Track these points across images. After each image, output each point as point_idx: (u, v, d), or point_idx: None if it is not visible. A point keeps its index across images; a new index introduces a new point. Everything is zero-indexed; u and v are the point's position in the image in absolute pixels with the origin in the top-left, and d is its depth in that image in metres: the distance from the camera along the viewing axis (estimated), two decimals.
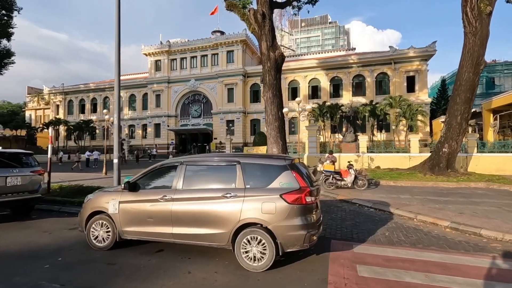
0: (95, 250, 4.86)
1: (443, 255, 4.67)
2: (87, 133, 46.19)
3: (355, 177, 11.65)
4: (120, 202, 4.82)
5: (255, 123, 41.30)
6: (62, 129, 48.28)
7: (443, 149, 14.71)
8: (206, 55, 43.05)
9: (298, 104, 17.89)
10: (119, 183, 8.00)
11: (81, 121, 45.45)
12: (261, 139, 29.84)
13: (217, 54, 42.20)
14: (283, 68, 16.55)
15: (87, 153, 27.95)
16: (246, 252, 4.10)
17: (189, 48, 43.36)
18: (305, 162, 19.76)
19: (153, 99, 45.21)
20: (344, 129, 29.70)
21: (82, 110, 51.08)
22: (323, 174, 12.01)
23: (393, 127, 32.21)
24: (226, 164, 4.55)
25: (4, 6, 27.56)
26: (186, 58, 44.08)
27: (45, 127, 44.67)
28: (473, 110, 17.80)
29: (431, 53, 33.45)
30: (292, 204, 4.03)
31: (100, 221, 4.93)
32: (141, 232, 4.70)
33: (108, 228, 4.88)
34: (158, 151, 39.77)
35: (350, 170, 11.80)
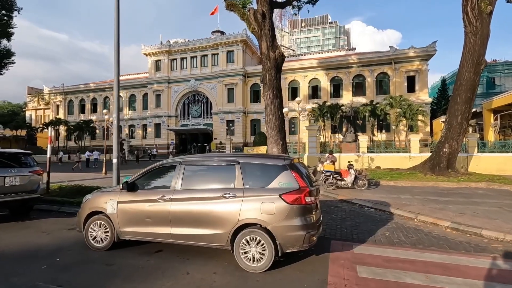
0: (93, 251, 4.83)
1: (443, 256, 4.64)
2: (87, 133, 46.20)
3: (355, 177, 11.62)
4: (118, 202, 4.79)
5: (255, 123, 41.28)
6: (62, 129, 48.29)
7: (444, 149, 14.67)
8: (206, 55, 43.04)
9: (298, 104, 17.87)
10: (118, 183, 7.97)
11: (81, 121, 45.44)
12: (261, 139, 29.81)
13: (217, 54, 42.19)
14: (283, 68, 16.52)
15: (87, 153, 27.94)
16: (245, 252, 4.07)
17: (189, 48, 43.35)
18: (305, 162, 19.72)
19: (153, 99, 45.21)
20: (344, 129, 29.67)
21: (82, 110, 51.10)
22: (323, 174, 11.98)
23: (394, 127, 32.17)
24: (225, 164, 4.52)
25: (4, 6, 27.54)
26: (186, 58, 44.08)
27: (45, 127, 44.68)
28: (473, 110, 17.76)
29: (431, 53, 33.41)
30: (291, 204, 4.00)
31: (98, 222, 4.91)
32: (139, 233, 4.67)
33: (107, 228, 4.85)
34: (158, 151, 39.75)
35: (350, 170, 11.77)
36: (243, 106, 40.49)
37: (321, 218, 4.69)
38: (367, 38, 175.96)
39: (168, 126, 43.72)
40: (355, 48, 50.66)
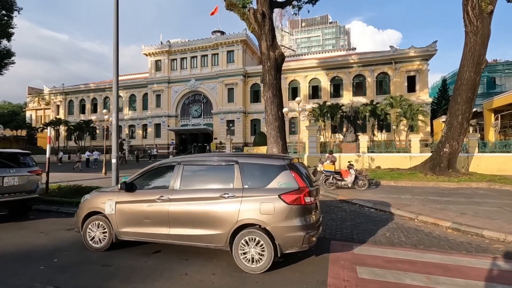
0: (91, 251, 4.79)
1: (444, 256, 4.60)
2: (88, 133, 46.18)
3: (356, 177, 11.58)
4: (116, 203, 4.76)
5: (255, 123, 41.24)
6: (62, 129, 48.30)
7: (444, 149, 14.63)
8: (206, 55, 43.02)
9: (298, 104, 17.83)
10: (117, 183, 7.93)
11: (82, 121, 45.43)
12: (261, 139, 29.79)
13: (217, 54, 42.16)
14: (283, 68, 16.48)
15: (87, 153, 27.92)
16: (244, 253, 4.03)
17: (189, 48, 43.33)
18: (306, 162, 19.68)
19: (153, 99, 45.19)
20: (344, 129, 29.58)
21: (82, 110, 51.10)
22: (323, 174, 11.94)
23: (394, 127, 32.11)
24: (224, 164, 4.48)
25: (4, 6, 27.52)
26: (186, 58, 44.05)
27: (45, 127, 44.68)
28: (474, 110, 17.70)
29: (431, 52, 33.36)
30: (290, 205, 3.96)
31: (97, 222, 4.87)
32: (137, 233, 4.63)
33: (105, 228, 4.81)
34: (158, 151, 39.71)
35: (351, 170, 11.73)
36: (243, 106, 40.46)
37: (320, 219, 4.66)
38: (367, 38, 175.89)
39: (168, 126, 43.70)
40: (355, 48, 50.58)
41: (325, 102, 33.48)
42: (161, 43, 45.42)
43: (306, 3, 18.77)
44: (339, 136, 31.93)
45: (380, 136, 33.59)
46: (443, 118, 25.21)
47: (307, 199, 4.06)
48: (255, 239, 4.01)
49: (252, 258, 3.99)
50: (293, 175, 4.15)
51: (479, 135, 19.80)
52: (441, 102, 39.88)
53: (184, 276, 3.88)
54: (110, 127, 25.08)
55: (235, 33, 41.11)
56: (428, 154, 16.90)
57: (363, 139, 20.41)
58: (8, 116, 54.92)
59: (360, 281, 3.74)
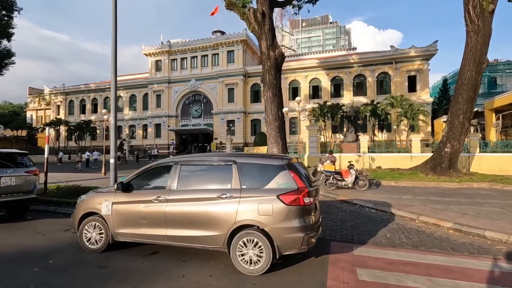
0: (87, 253, 4.73)
1: (446, 258, 4.52)
2: (88, 133, 46.19)
3: (356, 177, 11.50)
4: (113, 203, 4.69)
5: (255, 123, 41.19)
6: (63, 129, 48.31)
7: (445, 149, 14.54)
8: (207, 55, 42.99)
9: (299, 103, 17.74)
10: (115, 184, 7.87)
11: (82, 121, 45.46)
12: (261, 139, 29.71)
13: (218, 54, 42.13)
14: (283, 68, 16.42)
15: (87, 153, 27.90)
16: (242, 255, 3.96)
17: (190, 48, 43.30)
18: (306, 162, 19.61)
19: (153, 99, 45.17)
20: (345, 129, 29.49)
21: (83, 110, 51.13)
22: (324, 174, 11.87)
23: (395, 127, 32.01)
24: (222, 164, 4.41)
25: (5, 6, 27.51)
26: (186, 58, 44.02)
27: (45, 127, 44.65)
28: (475, 109, 17.62)
29: (432, 52, 33.26)
30: (289, 205, 3.89)
31: (93, 223, 4.80)
32: (134, 234, 4.57)
33: (101, 230, 4.74)
34: (159, 151, 39.65)
35: (351, 170, 11.65)
36: (244, 106, 40.40)
37: (320, 219, 4.58)
38: (368, 38, 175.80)
39: (169, 126, 43.67)
40: (355, 48, 50.50)
41: (325, 102, 33.41)
42: (162, 43, 45.41)
43: (306, 2, 18.70)
44: (340, 136, 31.85)
45: (381, 136, 33.50)
46: (444, 118, 25.13)
47: (306, 200, 3.99)
48: (253, 241, 3.94)
49: (250, 260, 3.92)
50: (292, 175, 4.08)
51: (480, 135, 19.72)
52: (442, 102, 39.77)
53: (181, 278, 3.81)
54: (110, 127, 25.19)
55: (235, 33, 41.07)
56: (429, 154, 16.82)
57: (364, 139, 20.33)
58: (8, 116, 55.02)
59: (360, 283, 3.67)
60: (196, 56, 43.48)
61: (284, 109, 15.35)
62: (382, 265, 4.21)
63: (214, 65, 42.49)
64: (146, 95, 46.51)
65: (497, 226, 6.01)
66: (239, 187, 4.14)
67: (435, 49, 33.03)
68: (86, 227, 4.84)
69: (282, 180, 4.05)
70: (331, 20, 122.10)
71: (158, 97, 45.00)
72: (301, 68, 38.71)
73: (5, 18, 27.92)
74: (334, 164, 12.63)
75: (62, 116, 50.59)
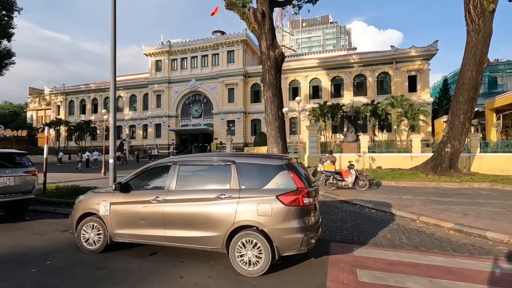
0: (85, 253, 4.69)
1: (447, 259, 4.48)
2: (88, 134, 46.18)
3: (356, 178, 11.46)
4: (111, 204, 4.65)
5: (255, 123, 41.15)
6: (63, 129, 48.31)
7: (446, 149, 14.50)
8: (207, 55, 42.95)
9: (299, 103, 17.70)
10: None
11: (82, 122, 45.44)
12: (261, 139, 29.67)
13: (218, 54, 42.09)
14: (284, 68, 16.38)
15: (87, 153, 27.89)
16: (241, 256, 3.92)
17: (190, 48, 43.27)
18: (306, 162, 19.58)
19: (153, 99, 45.15)
20: (345, 129, 29.47)
21: (83, 110, 51.12)
22: (324, 175, 11.83)
23: (395, 127, 31.96)
24: (221, 164, 4.37)
25: (5, 6, 27.51)
26: (186, 58, 44.00)
27: (45, 127, 44.68)
28: (475, 109, 17.56)
29: (433, 52, 33.20)
30: (289, 206, 3.85)
31: (91, 223, 4.77)
32: (132, 235, 4.53)
33: (99, 230, 4.71)
34: (159, 151, 39.59)
35: (351, 170, 11.61)
36: (244, 106, 40.37)
37: (320, 220, 4.55)
38: (368, 38, 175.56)
39: (169, 126, 43.63)
40: (356, 48, 50.42)
41: (325, 102, 33.37)
42: (162, 43, 45.38)
43: (306, 2, 18.66)
44: (340, 136, 31.82)
45: (381, 136, 33.45)
46: (445, 118, 25.08)
47: (306, 200, 3.95)
48: (252, 241, 3.90)
49: (249, 261, 3.88)
50: (291, 175, 4.04)
51: (481, 135, 19.67)
52: (442, 102, 39.72)
53: (179, 279, 3.77)
54: (110, 127, 25.19)
55: (236, 33, 41.03)
56: (429, 154, 16.78)
57: (364, 139, 20.28)
58: (9, 116, 55.06)
59: (360, 284, 3.64)
60: (196, 56, 43.45)
61: (284, 109, 15.32)
62: (382, 266, 4.17)
63: (214, 65, 42.46)
64: (146, 95, 46.49)
65: (498, 227, 5.96)
66: (238, 187, 4.10)
67: (435, 49, 32.97)
68: (84, 227, 4.81)
69: (281, 181, 4.01)
70: (331, 20, 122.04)
71: (158, 97, 44.97)
72: (301, 68, 38.66)
73: (5, 18, 27.92)
74: (334, 164, 12.60)
75: (62, 116, 50.59)
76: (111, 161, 8.19)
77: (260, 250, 3.85)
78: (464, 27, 14.41)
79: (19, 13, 28.46)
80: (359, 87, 37.25)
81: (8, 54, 29.59)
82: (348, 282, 3.69)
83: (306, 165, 18.89)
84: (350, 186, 11.43)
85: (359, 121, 30.61)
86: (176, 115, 44.35)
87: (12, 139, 51.60)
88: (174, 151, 41.28)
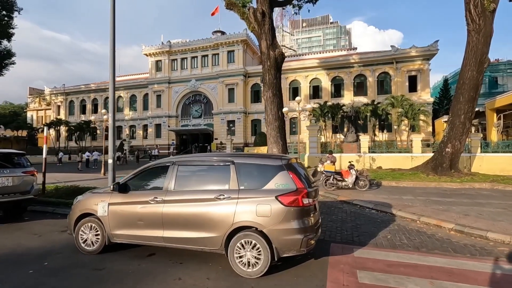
0: (83, 254, 4.66)
1: (448, 260, 4.44)
2: (88, 134, 46.17)
3: (356, 178, 11.42)
4: (109, 204, 4.62)
5: (256, 123, 41.10)
6: (63, 129, 48.31)
7: (446, 149, 14.45)
8: (207, 55, 42.93)
9: (299, 103, 17.65)
10: None
11: (82, 122, 45.45)
12: (262, 139, 29.63)
13: (218, 54, 42.06)
14: (284, 68, 16.33)
15: (87, 153, 27.86)
16: (240, 257, 3.89)
17: (190, 48, 43.25)
18: (306, 162, 19.53)
19: (153, 100, 45.13)
20: (345, 129, 29.42)
21: (83, 110, 51.11)
22: (324, 175, 11.79)
23: (395, 127, 31.91)
24: (220, 164, 4.33)
25: (5, 6, 27.50)
26: (186, 58, 43.97)
27: (45, 127, 44.69)
28: (476, 109, 17.51)
29: (433, 52, 33.14)
30: (288, 207, 3.82)
31: (89, 224, 4.73)
32: (131, 236, 4.50)
33: (97, 231, 4.68)
34: (159, 151, 39.55)
35: (351, 170, 11.57)
36: (244, 106, 40.33)
37: (320, 221, 4.51)
38: (368, 38, 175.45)
39: (169, 126, 43.61)
40: (356, 48, 50.35)
41: (326, 102, 33.33)
42: (162, 43, 45.34)
43: (306, 2, 18.63)
44: (340, 136, 31.77)
45: (381, 136, 33.40)
46: (445, 118, 25.03)
47: (305, 201, 3.91)
48: (251, 242, 3.86)
49: (248, 262, 3.84)
50: (290, 175, 4.00)
51: (481, 135, 19.61)
52: (443, 102, 39.67)
53: (178, 281, 3.74)
54: (109, 127, 25.17)
55: (236, 33, 41.00)
56: (429, 154, 16.73)
57: (364, 139, 20.23)
58: (9, 116, 55.09)
59: (360, 286, 3.60)
60: (196, 56, 43.43)
61: (284, 109, 15.28)
62: (382, 267, 4.13)
63: (214, 65, 42.43)
64: (146, 95, 46.47)
65: (500, 227, 5.92)
66: (237, 187, 4.07)
67: (435, 49, 32.92)
68: (82, 228, 4.77)
69: (280, 181, 3.98)
70: (331, 20, 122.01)
71: (158, 97, 44.95)
72: (302, 68, 38.63)
73: (5, 18, 27.92)
74: (334, 164, 12.56)
75: (62, 116, 50.58)
76: (110, 161, 8.15)
77: (259, 251, 3.81)
78: (464, 27, 14.37)
79: (19, 13, 28.48)
80: (360, 87, 37.20)
81: (8, 54, 29.58)
82: (348, 283, 3.65)
83: (306, 165, 18.85)
84: (350, 186, 11.39)
85: (359, 121, 30.57)
86: (176, 115, 44.33)
87: (12, 139, 51.62)
88: (174, 151, 41.23)
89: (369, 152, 19.45)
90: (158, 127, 44.79)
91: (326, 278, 3.79)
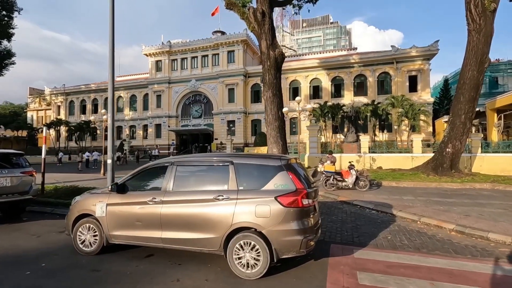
0: (81, 255, 4.62)
1: (449, 261, 4.40)
2: (88, 134, 46.15)
3: (357, 178, 11.37)
4: (107, 205, 4.59)
5: (256, 124, 41.07)
6: (63, 129, 48.30)
7: (447, 149, 14.40)
8: (207, 55, 42.91)
9: (299, 103, 17.61)
10: None
11: (82, 122, 45.43)
12: (262, 140, 29.58)
13: (218, 54, 42.04)
14: (284, 68, 16.29)
15: (87, 153, 27.83)
16: (239, 258, 3.85)
17: (190, 49, 43.23)
18: (306, 162, 19.49)
19: (153, 100, 45.11)
20: (345, 129, 29.37)
21: (83, 110, 51.10)
22: (324, 175, 11.74)
23: (395, 127, 31.87)
24: (219, 165, 4.30)
25: (5, 6, 27.48)
26: (186, 58, 43.95)
27: (44, 128, 44.69)
28: (476, 109, 17.46)
29: (433, 52, 33.09)
30: (287, 207, 3.78)
31: (87, 225, 4.70)
32: (129, 237, 4.46)
33: (95, 232, 4.64)
34: (160, 151, 39.48)
35: (351, 170, 11.53)
36: (244, 106, 40.30)
37: (319, 221, 4.47)
38: (368, 39, 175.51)
39: (169, 126, 43.58)
40: (356, 48, 50.32)
41: (326, 102, 33.30)
42: (162, 43, 45.31)
43: (306, 2, 18.57)
44: (340, 136, 31.73)
45: (382, 136, 33.35)
46: (445, 118, 24.99)
47: (305, 201, 3.88)
48: (250, 243, 3.82)
49: (247, 263, 3.81)
50: (290, 176, 3.96)
51: (482, 135, 19.55)
52: (443, 102, 39.64)
53: (176, 282, 3.70)
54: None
55: (236, 33, 40.97)
56: (430, 155, 16.68)
57: (364, 139, 20.19)
58: (9, 116, 55.12)
59: (360, 287, 3.56)
60: (197, 56, 43.41)
61: (284, 109, 15.24)
62: (383, 269, 4.10)
63: (214, 65, 42.40)
64: (146, 95, 46.45)
65: (501, 228, 5.88)
66: (236, 188, 4.03)
67: (436, 49, 32.87)
68: (80, 229, 4.74)
69: (280, 181, 3.94)
70: (331, 20, 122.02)
71: (159, 97, 44.93)
72: (302, 68, 38.59)
73: (5, 18, 27.89)
74: (334, 164, 12.52)
75: (62, 116, 50.58)
76: (109, 161, 8.11)
77: (259, 252, 3.78)
78: (465, 27, 14.33)
79: (19, 13, 28.45)
80: (360, 87, 37.16)
81: (8, 54, 29.55)
82: (348, 285, 3.62)
83: (306, 165, 18.81)
84: (351, 186, 11.35)
85: (359, 121, 30.56)
86: (176, 115, 44.30)
87: (13, 139, 51.63)
88: (174, 151, 41.20)
89: (369, 152, 19.41)
90: (158, 127, 44.77)
91: (326, 280, 3.75)
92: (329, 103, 32.84)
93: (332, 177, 11.51)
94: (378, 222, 6.86)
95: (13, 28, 28.59)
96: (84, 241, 4.69)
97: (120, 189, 4.59)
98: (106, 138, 23.03)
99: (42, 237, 5.75)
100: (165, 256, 4.55)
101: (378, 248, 5.05)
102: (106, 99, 48.62)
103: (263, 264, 3.75)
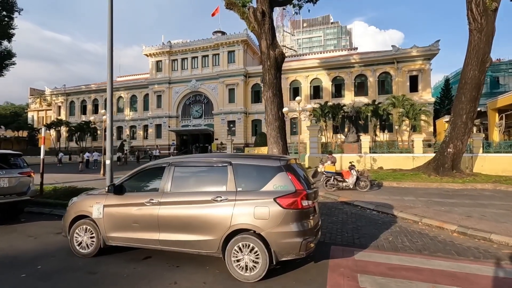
0: (78, 257, 4.56)
1: (451, 263, 4.33)
2: (89, 134, 46.14)
3: (357, 178, 11.30)
4: (104, 206, 4.53)
5: (256, 124, 41.02)
6: (63, 130, 48.30)
7: (448, 149, 14.31)
8: (207, 56, 42.88)
9: (299, 103, 17.55)
10: None
11: (83, 122, 45.42)
12: (262, 140, 29.53)
13: (218, 54, 42.00)
14: (284, 68, 16.22)
15: (87, 154, 27.81)
16: (238, 260, 3.78)
17: (190, 49, 43.20)
18: (307, 162, 19.42)
19: (154, 100, 45.09)
20: (346, 130, 29.28)
21: (83, 111, 51.13)
22: (324, 175, 11.68)
23: (396, 127, 31.77)
24: (217, 165, 4.23)
25: (5, 7, 27.48)
26: (187, 58, 43.93)
27: (47, 128, 44.74)
28: (478, 109, 17.37)
29: (434, 52, 33.00)
30: (287, 209, 3.71)
31: (84, 226, 4.64)
32: (126, 238, 4.40)
33: (92, 233, 4.58)
34: (160, 152, 39.47)
35: (352, 171, 11.45)
36: (244, 106, 40.25)
37: (319, 223, 4.41)
38: (369, 39, 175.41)
39: (169, 126, 43.55)
40: (357, 48, 50.26)
41: (326, 102, 33.22)
42: (162, 43, 45.30)
43: (306, 2, 18.49)
44: (341, 137, 31.67)
45: (382, 137, 33.26)
46: (446, 118, 24.90)
47: (305, 203, 3.81)
48: (249, 246, 3.76)
49: (246, 266, 3.74)
50: (289, 177, 3.90)
51: (483, 135, 19.46)
52: (444, 102, 39.53)
53: (173, 285, 3.64)
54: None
55: (236, 33, 40.94)
56: (431, 155, 16.59)
57: (365, 140, 20.11)
58: (10, 117, 55.16)
59: None
60: (197, 57, 43.39)
61: (285, 109, 15.18)
62: (384, 271, 4.03)
63: (214, 65, 42.37)
64: (146, 95, 46.44)
65: (503, 229, 5.80)
66: (234, 189, 3.97)
67: (437, 49, 32.78)
68: (77, 230, 4.68)
69: (279, 182, 3.87)
70: (332, 21, 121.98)
71: (159, 97, 44.91)
72: (302, 68, 38.53)
73: (6, 19, 27.89)
74: (334, 164, 12.45)
75: (63, 116, 50.61)
76: (108, 162, 8.05)
77: (257, 254, 3.71)
78: (466, 27, 14.25)
79: (19, 14, 28.45)
80: (360, 87, 37.08)
81: (9, 54, 29.54)
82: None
83: (306, 165, 18.75)
84: (351, 187, 11.27)
85: (360, 121, 30.46)
86: (177, 116, 44.28)
87: (13, 139, 51.69)
88: (175, 151, 41.18)
89: (370, 152, 19.33)
90: (158, 127, 44.75)
91: (326, 282, 3.68)
92: (330, 103, 32.77)
93: (332, 177, 11.44)
94: (379, 223, 6.79)
95: (13, 29, 28.59)
96: (81, 242, 4.63)
97: (118, 190, 4.53)
98: (105, 139, 23.01)
99: (39, 238, 5.70)
100: (163, 258, 4.49)
101: (379, 250, 4.98)
102: (106, 99, 48.56)
103: (262, 266, 3.68)
